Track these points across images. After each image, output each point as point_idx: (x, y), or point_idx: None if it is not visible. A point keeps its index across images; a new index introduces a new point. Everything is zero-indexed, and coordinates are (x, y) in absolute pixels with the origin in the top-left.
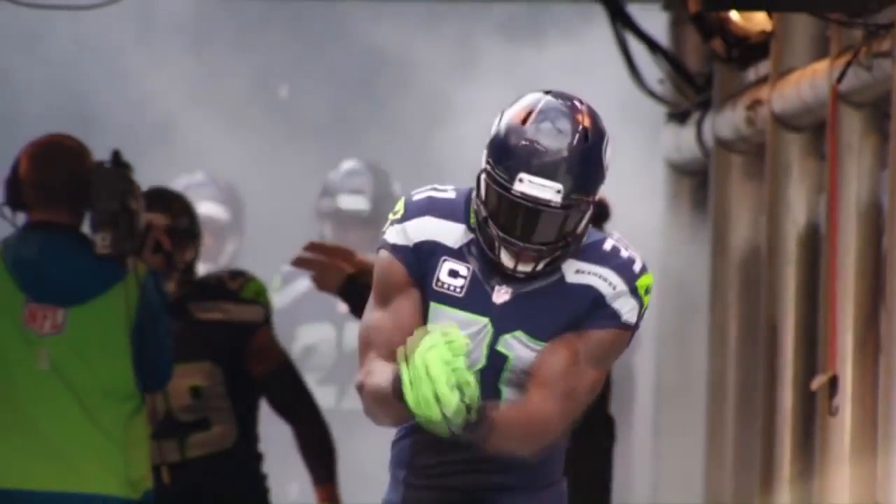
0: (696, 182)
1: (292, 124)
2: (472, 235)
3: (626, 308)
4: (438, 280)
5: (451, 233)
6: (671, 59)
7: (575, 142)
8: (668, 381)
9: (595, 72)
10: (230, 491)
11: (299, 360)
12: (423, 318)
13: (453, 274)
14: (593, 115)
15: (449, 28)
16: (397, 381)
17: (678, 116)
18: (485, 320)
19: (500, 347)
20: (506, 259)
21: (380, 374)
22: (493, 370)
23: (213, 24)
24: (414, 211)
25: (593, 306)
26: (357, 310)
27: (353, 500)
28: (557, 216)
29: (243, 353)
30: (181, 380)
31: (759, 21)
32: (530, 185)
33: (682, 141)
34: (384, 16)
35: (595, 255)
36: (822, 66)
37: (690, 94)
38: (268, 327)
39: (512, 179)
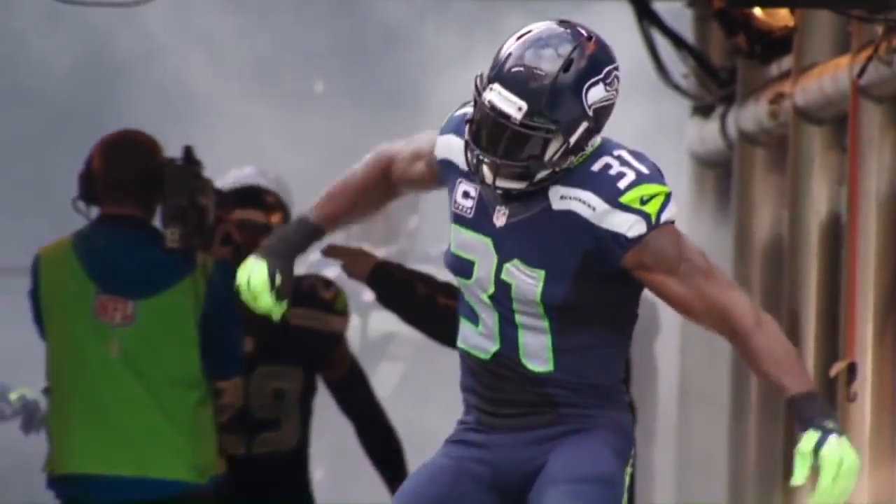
0: (719, 174)
1: (327, 118)
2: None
3: (622, 224)
4: (456, 202)
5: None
6: (696, 54)
7: (554, 68)
8: (691, 369)
9: (622, 66)
10: (287, 489)
11: None
12: (413, 182)
13: (465, 195)
14: (592, 54)
15: (488, 25)
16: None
17: (703, 110)
18: (487, 240)
19: (503, 276)
20: (486, 172)
21: (326, 194)
22: (502, 297)
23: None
24: (447, 127)
25: (584, 232)
26: (384, 298)
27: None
28: (517, 135)
29: (327, 360)
30: (267, 381)
31: (781, 17)
32: (497, 96)
33: (707, 134)
34: (428, 11)
35: (580, 177)
36: (843, 60)
37: (714, 88)
38: (345, 337)
39: (485, 88)
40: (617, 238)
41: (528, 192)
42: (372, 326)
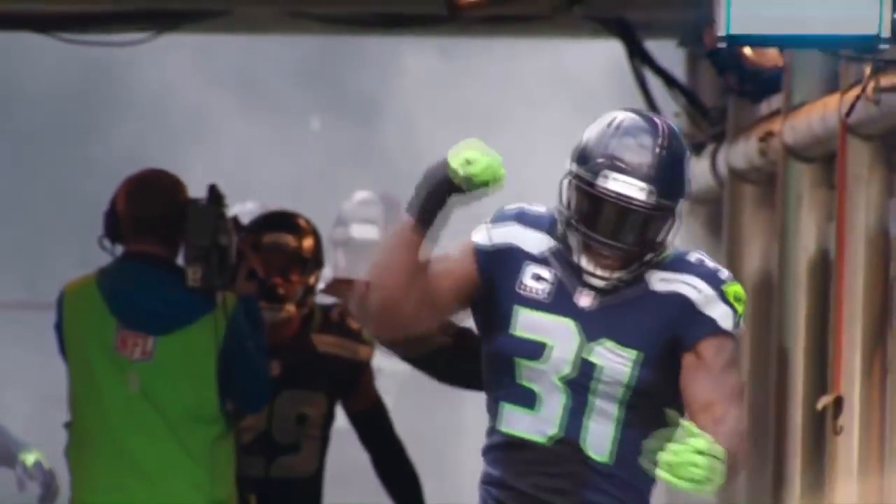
0: (710, 210)
1: (321, 155)
2: (556, 244)
3: (718, 313)
4: (522, 283)
5: (535, 241)
6: (687, 93)
7: (659, 147)
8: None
9: (613, 103)
10: None
11: None
12: (458, 301)
13: (537, 278)
14: (673, 129)
15: (462, 63)
16: None
17: (694, 148)
18: (570, 322)
19: (589, 356)
20: (586, 263)
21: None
22: (582, 379)
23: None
24: (502, 217)
25: (683, 313)
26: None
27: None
28: (642, 217)
29: (351, 389)
30: (292, 405)
31: (771, 56)
32: (616, 183)
33: (698, 171)
34: (403, 47)
35: (680, 264)
36: (832, 99)
37: (705, 126)
38: (371, 366)
39: (597, 177)
40: (709, 321)
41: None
42: None
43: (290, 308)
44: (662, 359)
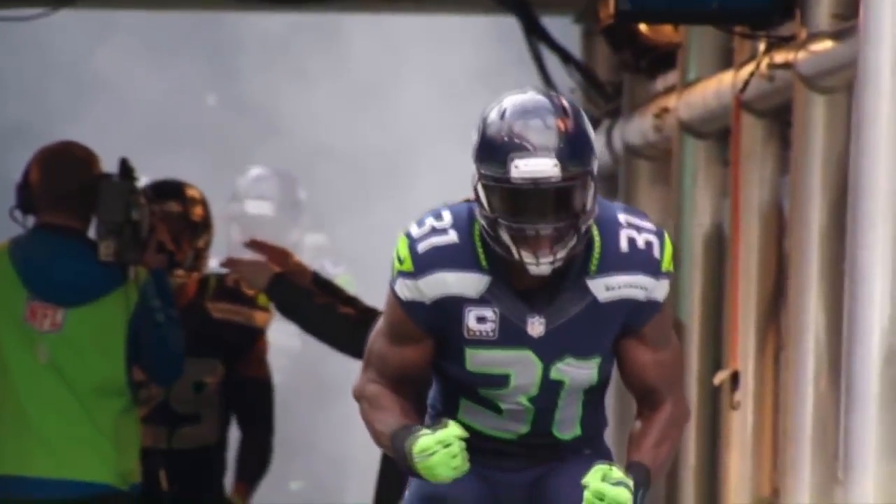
0: (606, 186)
1: (217, 131)
2: (489, 278)
3: (660, 292)
4: (468, 329)
5: (469, 283)
6: (582, 69)
7: (557, 117)
8: None
9: (509, 80)
10: (207, 485)
11: None
12: (430, 357)
13: (481, 320)
14: (562, 95)
15: (368, 36)
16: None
17: None
18: (526, 351)
19: (554, 376)
20: (525, 256)
21: (383, 414)
22: (550, 394)
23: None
24: (423, 267)
25: (631, 311)
26: (283, 308)
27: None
28: (562, 192)
29: (246, 356)
30: (188, 373)
31: (666, 33)
32: (526, 167)
33: None
34: (296, 23)
35: (617, 262)
36: (726, 76)
37: (601, 102)
38: (266, 335)
39: (505, 168)
40: (654, 305)
41: (565, 293)
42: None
43: (181, 273)
44: (614, 345)
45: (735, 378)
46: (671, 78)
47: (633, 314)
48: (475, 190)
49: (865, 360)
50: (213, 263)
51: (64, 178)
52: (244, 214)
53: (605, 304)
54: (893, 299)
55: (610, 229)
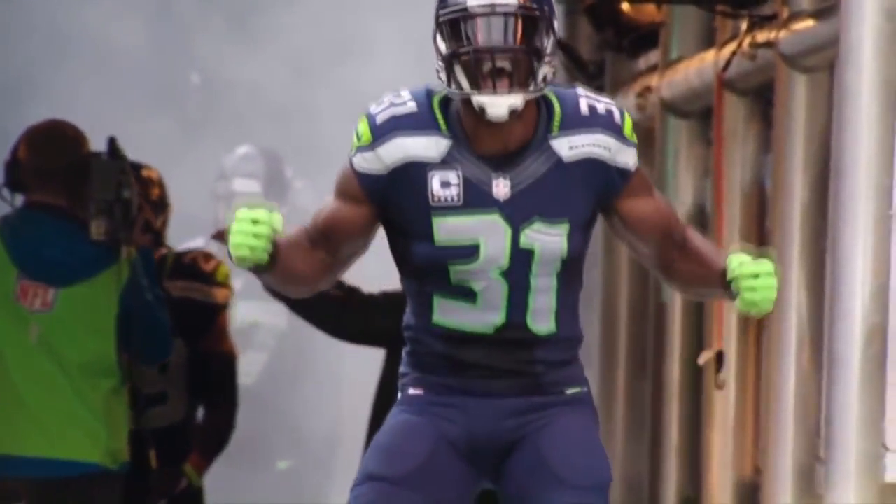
0: None
1: (202, 110)
2: (450, 141)
3: (627, 157)
4: (433, 195)
5: (429, 146)
6: (565, 47)
7: None
8: None
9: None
10: (172, 462)
11: None
12: (361, 229)
13: (445, 185)
14: None
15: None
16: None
17: None
18: (493, 215)
19: (524, 243)
20: (485, 90)
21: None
22: (521, 267)
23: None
24: (381, 132)
25: (597, 174)
26: (270, 287)
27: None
28: (516, 20)
29: (207, 332)
30: None
31: (648, 12)
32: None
33: None
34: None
35: (578, 121)
36: (708, 55)
37: (583, 81)
38: (227, 311)
39: (463, 4)
40: (626, 170)
41: (529, 155)
42: (238, 316)
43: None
44: (586, 222)
45: (720, 358)
46: (653, 57)
47: (607, 182)
48: (435, 46)
49: (847, 338)
50: (201, 242)
51: (53, 156)
52: (231, 193)
53: (570, 165)
54: (875, 278)
55: (569, 97)
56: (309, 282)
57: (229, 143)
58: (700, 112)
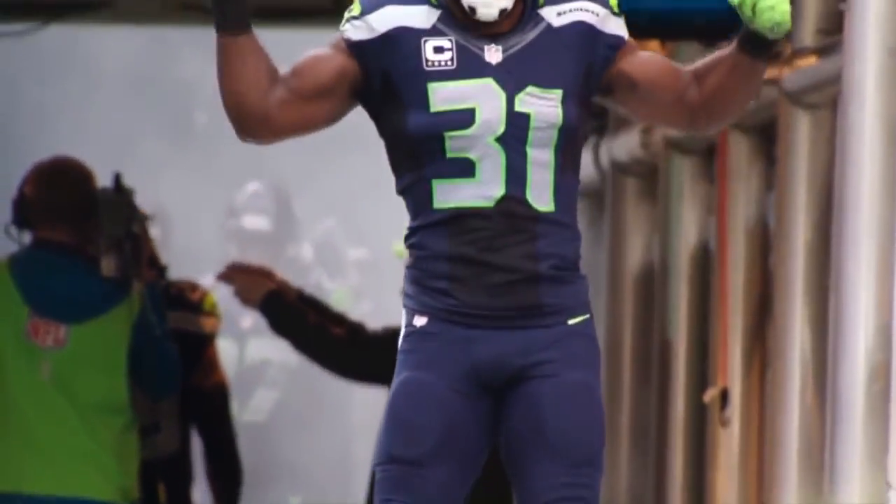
0: (593, 203)
1: (209, 148)
2: (440, 11)
3: (616, 25)
4: (427, 60)
5: (419, 14)
6: None
7: None
8: None
9: None
10: (174, 493)
11: None
12: (335, 82)
13: (439, 50)
14: None
15: None
16: None
17: None
18: (487, 80)
19: (519, 108)
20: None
21: None
22: (517, 133)
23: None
24: (372, 5)
25: (587, 40)
26: (277, 325)
27: None
28: None
29: (197, 363)
30: None
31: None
32: None
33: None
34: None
35: None
36: None
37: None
38: (215, 341)
39: None
40: (618, 37)
41: (519, 24)
42: (249, 353)
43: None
44: (581, 93)
45: (724, 395)
46: None
47: (593, 46)
48: None
49: (851, 375)
50: (209, 280)
51: (61, 193)
52: (241, 230)
53: (559, 29)
54: (878, 315)
55: None
56: (246, 85)
57: (239, 180)
58: (704, 149)
